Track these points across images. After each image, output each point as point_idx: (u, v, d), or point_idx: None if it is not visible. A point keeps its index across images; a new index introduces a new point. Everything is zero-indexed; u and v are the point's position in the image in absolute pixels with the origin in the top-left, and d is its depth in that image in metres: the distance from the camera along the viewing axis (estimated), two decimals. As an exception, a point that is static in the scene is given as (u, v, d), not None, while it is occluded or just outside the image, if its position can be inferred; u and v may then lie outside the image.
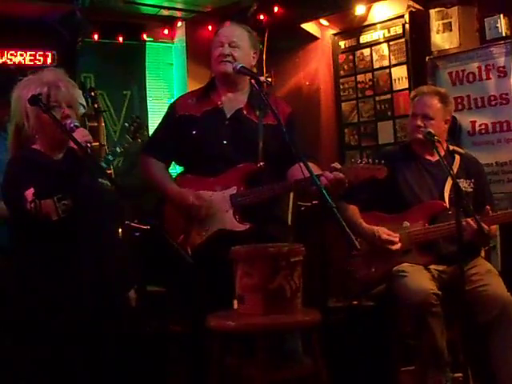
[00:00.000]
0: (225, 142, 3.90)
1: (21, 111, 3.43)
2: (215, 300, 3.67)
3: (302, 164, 3.42)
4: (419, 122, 4.28)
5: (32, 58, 6.59)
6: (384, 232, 4.23)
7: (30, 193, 3.16)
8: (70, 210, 3.18)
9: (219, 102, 3.99)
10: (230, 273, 3.44)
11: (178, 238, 3.90)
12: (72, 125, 3.38)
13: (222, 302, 3.57)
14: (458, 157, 4.38)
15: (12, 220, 3.50)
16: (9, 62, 6.49)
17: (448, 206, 4.20)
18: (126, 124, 4.87)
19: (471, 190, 4.31)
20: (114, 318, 3.40)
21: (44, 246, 3.31)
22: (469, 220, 3.99)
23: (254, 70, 4.00)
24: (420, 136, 4.28)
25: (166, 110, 4.21)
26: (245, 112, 3.96)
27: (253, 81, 3.79)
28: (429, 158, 4.39)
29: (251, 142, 3.83)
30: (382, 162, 3.78)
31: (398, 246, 4.20)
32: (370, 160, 3.78)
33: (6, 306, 3.39)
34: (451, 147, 4.41)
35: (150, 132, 7.16)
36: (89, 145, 3.32)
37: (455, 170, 4.26)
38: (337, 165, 3.68)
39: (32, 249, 3.36)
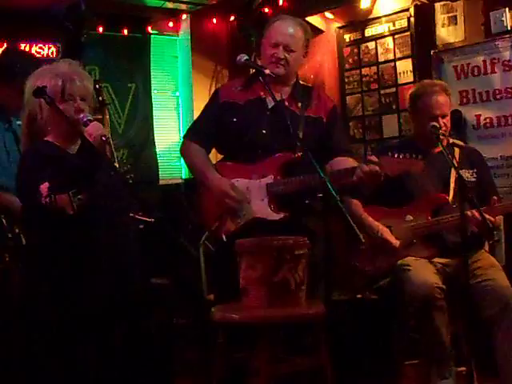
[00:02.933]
0: (264, 131, 3.93)
1: (34, 102, 3.40)
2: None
3: (338, 159, 3.58)
4: (441, 122, 4.26)
5: (36, 50, 6.57)
6: (386, 233, 4.23)
7: (45, 187, 3.15)
8: (85, 204, 3.18)
9: (262, 93, 3.99)
10: None
11: (213, 224, 3.94)
12: (85, 119, 3.36)
13: None
14: (457, 149, 4.39)
15: (25, 215, 3.50)
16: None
17: (452, 198, 4.20)
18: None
19: (474, 179, 4.32)
20: (129, 313, 3.41)
21: (58, 241, 3.30)
22: (473, 211, 3.98)
23: (301, 67, 4.02)
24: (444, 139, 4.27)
25: (210, 96, 4.25)
26: (286, 103, 3.98)
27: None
28: (431, 150, 4.39)
29: (291, 132, 3.79)
30: (419, 156, 3.77)
31: (395, 247, 4.21)
32: (407, 154, 3.77)
33: (20, 304, 3.39)
34: (451, 140, 4.42)
35: (156, 132, 7.24)
36: (104, 138, 3.30)
37: (456, 162, 4.26)
38: (373, 158, 3.71)
39: (45, 245, 3.35)
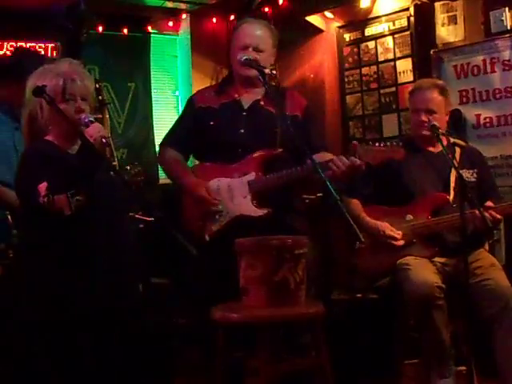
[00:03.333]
0: (242, 130, 3.98)
1: (34, 101, 3.39)
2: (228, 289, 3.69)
3: (317, 155, 3.61)
4: (423, 118, 4.28)
5: (36, 49, 6.57)
6: (387, 227, 4.23)
7: (43, 187, 3.15)
8: (83, 205, 3.17)
9: (236, 95, 4.06)
10: None
11: (196, 224, 3.97)
12: (86, 119, 3.36)
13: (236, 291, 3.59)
14: (458, 149, 4.38)
15: (23, 213, 3.50)
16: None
17: (453, 197, 4.20)
18: (127, 167, 4.85)
19: (474, 179, 4.31)
20: (128, 312, 3.41)
21: (56, 241, 3.30)
22: (474, 211, 3.98)
23: (271, 66, 4.04)
24: (426, 132, 4.28)
25: (184, 104, 4.30)
26: (262, 103, 4.03)
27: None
28: (431, 150, 4.39)
29: (268, 131, 3.90)
30: (400, 143, 3.78)
31: (400, 243, 4.21)
32: (387, 142, 3.79)
33: (18, 304, 3.38)
34: (452, 140, 4.41)
35: (156, 132, 7.24)
36: (104, 140, 3.30)
37: (457, 161, 4.25)
38: (355, 144, 3.74)
39: (43, 244, 3.33)
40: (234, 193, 3.92)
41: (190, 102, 4.20)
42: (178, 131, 4.21)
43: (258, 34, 4.02)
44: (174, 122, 4.33)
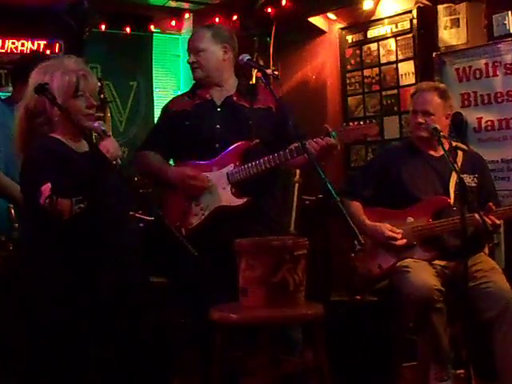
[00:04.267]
0: (218, 126, 4.06)
1: (41, 97, 3.36)
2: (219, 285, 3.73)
3: (298, 144, 3.64)
4: (420, 119, 4.29)
5: (39, 47, 6.57)
6: (387, 228, 4.24)
7: (47, 188, 3.14)
8: (82, 211, 3.18)
9: (207, 95, 4.15)
10: (230, 253, 3.47)
11: (176, 220, 4.01)
12: (103, 128, 3.41)
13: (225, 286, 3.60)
14: (460, 152, 4.38)
15: (25, 211, 3.49)
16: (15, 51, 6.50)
17: (453, 201, 4.20)
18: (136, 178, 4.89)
19: (475, 185, 4.31)
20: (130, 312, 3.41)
21: (60, 240, 3.29)
22: (474, 215, 3.98)
23: (228, 62, 4.14)
24: (422, 134, 4.29)
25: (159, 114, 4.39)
26: (235, 98, 4.11)
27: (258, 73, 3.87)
28: (433, 153, 4.40)
29: (244, 124, 3.99)
30: (374, 120, 3.80)
31: (401, 242, 4.21)
32: (361, 122, 3.88)
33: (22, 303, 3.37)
34: (454, 143, 4.41)
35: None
36: (118, 161, 3.34)
37: (459, 166, 4.25)
38: (327, 127, 3.84)
39: (46, 243, 3.33)
40: (214, 185, 3.99)
41: (164, 110, 4.31)
42: (153, 137, 4.28)
43: (194, 37, 4.25)
44: (150, 130, 4.45)
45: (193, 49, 4.17)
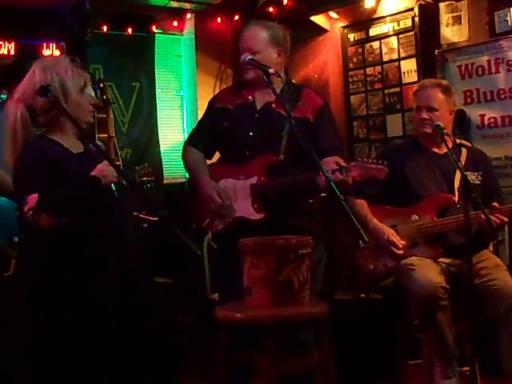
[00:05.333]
0: (251, 133, 4.03)
1: (56, 94, 3.36)
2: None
3: (325, 159, 3.67)
4: (424, 115, 4.30)
5: (41, 48, 6.57)
6: (392, 234, 4.23)
7: (33, 198, 3.14)
8: (66, 227, 3.17)
9: (250, 97, 4.11)
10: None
11: (205, 221, 4.09)
12: (100, 143, 3.45)
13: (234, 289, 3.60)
14: (464, 150, 4.39)
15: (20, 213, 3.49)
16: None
17: (457, 198, 4.20)
18: (137, 168, 4.89)
19: (479, 182, 4.31)
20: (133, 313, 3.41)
21: (55, 242, 3.29)
22: (479, 213, 3.98)
23: (279, 66, 4.03)
24: (427, 130, 4.30)
25: (201, 104, 4.43)
26: (274, 105, 4.05)
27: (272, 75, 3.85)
28: (436, 150, 4.40)
29: (276, 135, 3.95)
30: (385, 162, 3.77)
31: (400, 252, 4.21)
32: (373, 159, 3.81)
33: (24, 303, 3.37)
34: (458, 140, 4.41)
35: (160, 131, 7.25)
36: (112, 187, 3.35)
37: (463, 163, 4.26)
38: (340, 162, 3.76)
39: (42, 245, 3.31)
40: (238, 194, 4.01)
41: (211, 103, 4.30)
42: (198, 131, 4.33)
43: (249, 36, 4.07)
44: (199, 120, 4.48)
45: (247, 48, 4.02)
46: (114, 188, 3.44)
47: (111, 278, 3.36)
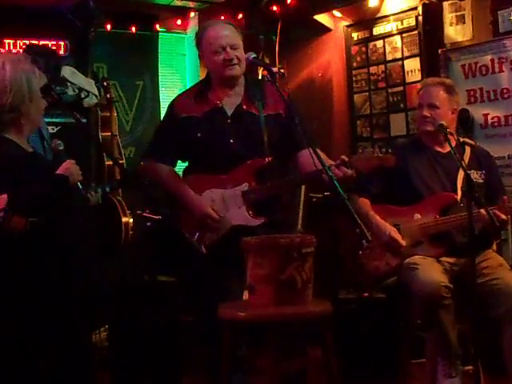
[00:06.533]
0: (231, 140, 3.92)
1: (22, 95, 3.32)
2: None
3: (310, 151, 3.50)
4: (425, 113, 4.30)
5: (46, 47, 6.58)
6: (394, 231, 4.23)
7: (2, 199, 3.10)
8: (35, 229, 3.16)
9: (218, 102, 3.98)
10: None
11: (194, 235, 3.95)
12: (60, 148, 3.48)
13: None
14: (468, 148, 4.38)
15: None
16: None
17: (460, 197, 4.20)
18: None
19: (482, 181, 4.30)
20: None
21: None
22: (481, 211, 3.97)
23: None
24: (428, 128, 4.31)
25: (165, 112, 4.21)
26: (244, 107, 3.97)
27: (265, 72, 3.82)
28: (439, 149, 4.39)
29: (256, 137, 3.86)
30: (390, 150, 3.79)
31: (402, 249, 4.21)
32: (377, 149, 3.80)
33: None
34: (461, 139, 4.41)
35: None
36: (79, 185, 3.36)
37: (466, 162, 4.26)
38: (345, 158, 3.74)
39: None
40: (229, 204, 3.91)
41: (171, 111, 4.10)
42: (161, 144, 4.09)
43: (227, 33, 3.95)
44: (155, 132, 4.26)
45: (231, 45, 3.90)
46: (80, 186, 3.44)
47: (78, 282, 3.36)
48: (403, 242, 4.21)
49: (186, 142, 3.99)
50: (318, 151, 3.60)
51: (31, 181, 3.22)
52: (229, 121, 3.96)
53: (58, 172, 3.31)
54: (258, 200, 3.88)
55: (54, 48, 6.49)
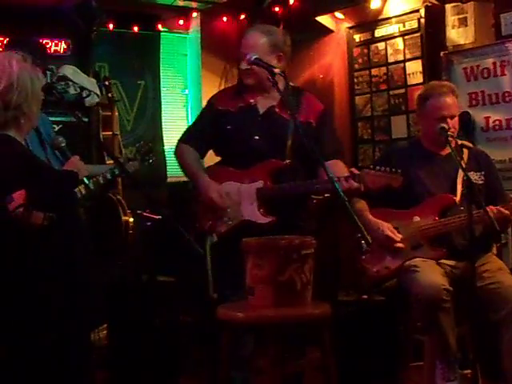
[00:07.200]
0: (256, 137, 4.03)
1: (25, 93, 3.31)
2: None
3: (327, 163, 3.62)
4: (450, 124, 4.25)
5: (47, 46, 6.58)
6: (388, 228, 4.23)
7: (21, 195, 3.09)
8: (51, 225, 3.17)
9: (252, 100, 4.11)
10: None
11: (207, 224, 4.07)
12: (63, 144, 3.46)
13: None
14: (466, 150, 4.38)
15: None
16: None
17: (460, 199, 4.20)
18: (137, 145, 4.91)
19: (482, 182, 4.30)
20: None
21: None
22: (481, 212, 3.97)
23: (277, 70, 3.98)
24: (452, 140, 4.23)
25: (205, 104, 4.37)
26: (277, 110, 4.07)
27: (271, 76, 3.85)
28: (438, 152, 4.39)
29: (281, 139, 3.97)
30: (399, 170, 3.79)
31: (399, 245, 4.20)
32: (386, 168, 3.82)
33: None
34: (459, 142, 4.40)
35: (164, 130, 7.26)
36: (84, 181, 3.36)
37: (464, 164, 4.25)
38: (354, 170, 3.82)
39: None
40: (243, 198, 4.00)
41: (210, 104, 4.27)
42: (196, 129, 4.30)
43: (249, 42, 4.05)
44: (193, 120, 4.48)
45: (246, 54, 3.99)
46: (86, 181, 3.46)
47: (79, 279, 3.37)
48: (399, 237, 4.21)
49: (217, 132, 4.14)
50: (340, 163, 3.88)
51: (44, 177, 3.24)
52: (259, 119, 4.08)
53: (65, 168, 3.32)
54: (271, 199, 3.95)
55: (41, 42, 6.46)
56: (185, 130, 4.45)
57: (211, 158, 4.35)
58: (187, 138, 4.28)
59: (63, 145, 3.50)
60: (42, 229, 3.15)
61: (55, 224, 3.18)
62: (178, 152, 4.28)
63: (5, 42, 6.28)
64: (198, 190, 4.12)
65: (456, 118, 4.31)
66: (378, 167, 3.83)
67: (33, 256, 3.21)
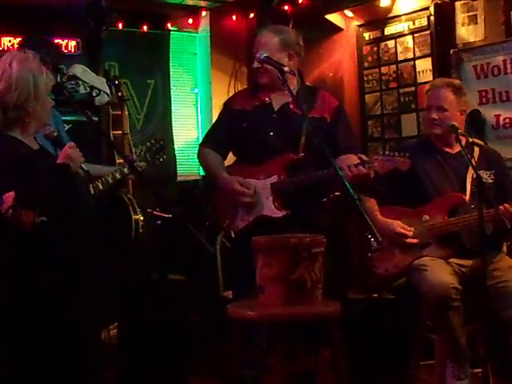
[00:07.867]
0: (271, 133, 4.09)
1: (27, 92, 3.33)
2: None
3: (341, 157, 3.78)
4: (434, 115, 4.29)
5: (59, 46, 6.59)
6: (398, 225, 4.23)
7: (10, 197, 3.11)
8: (45, 225, 3.16)
9: (267, 98, 4.17)
10: None
11: (225, 222, 4.14)
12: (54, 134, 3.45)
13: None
14: (477, 149, 4.37)
15: None
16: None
17: (470, 198, 4.19)
18: (148, 144, 4.94)
19: (492, 181, 4.29)
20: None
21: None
22: (491, 211, 3.96)
23: (287, 68, 4.00)
24: (436, 131, 4.30)
25: (222, 107, 4.44)
26: (291, 106, 4.10)
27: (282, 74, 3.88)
28: (448, 150, 4.38)
29: (295, 135, 4.01)
30: (407, 154, 3.80)
31: (412, 241, 4.20)
32: (394, 152, 3.86)
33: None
34: (470, 139, 4.39)
35: (174, 129, 7.27)
36: (82, 169, 3.35)
37: (475, 162, 4.24)
38: (363, 157, 3.85)
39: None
40: (259, 194, 4.04)
41: (227, 104, 4.35)
42: (215, 132, 4.38)
43: (259, 41, 4.12)
44: (213, 122, 4.55)
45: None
46: (85, 168, 3.45)
47: (87, 278, 3.36)
48: (411, 232, 4.20)
49: (234, 131, 4.20)
50: (353, 156, 3.91)
51: (35, 176, 3.23)
52: (274, 115, 4.14)
53: (58, 161, 3.32)
54: (285, 192, 3.99)
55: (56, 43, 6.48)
56: (205, 133, 4.55)
57: (229, 160, 4.40)
58: (207, 140, 4.36)
59: (56, 134, 3.49)
60: (39, 228, 3.15)
61: (54, 224, 3.19)
62: (199, 155, 4.35)
63: (13, 41, 6.29)
64: (218, 188, 4.18)
65: (447, 113, 4.28)
66: (386, 152, 3.86)
67: (31, 256, 3.23)
